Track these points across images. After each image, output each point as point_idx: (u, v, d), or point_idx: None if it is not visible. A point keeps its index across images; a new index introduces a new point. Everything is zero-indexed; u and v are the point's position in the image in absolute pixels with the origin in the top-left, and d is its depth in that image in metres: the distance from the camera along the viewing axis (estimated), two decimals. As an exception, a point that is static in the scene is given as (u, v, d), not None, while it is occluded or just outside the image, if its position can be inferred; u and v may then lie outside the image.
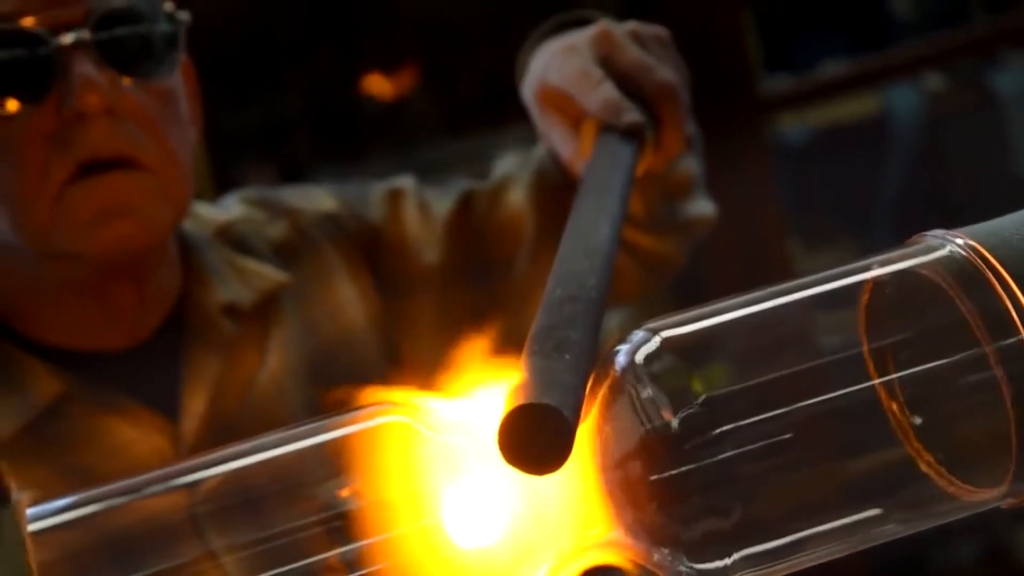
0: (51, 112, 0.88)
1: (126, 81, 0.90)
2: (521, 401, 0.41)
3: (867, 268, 0.47)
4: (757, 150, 2.08)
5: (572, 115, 0.89)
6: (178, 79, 0.95)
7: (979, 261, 0.45)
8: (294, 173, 3.22)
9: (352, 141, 3.37)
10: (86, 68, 0.88)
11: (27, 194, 0.90)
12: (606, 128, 0.84)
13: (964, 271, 0.45)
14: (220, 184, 2.18)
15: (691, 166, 1.00)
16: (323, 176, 3.22)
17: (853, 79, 2.37)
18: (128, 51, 0.90)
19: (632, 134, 0.84)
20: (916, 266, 0.46)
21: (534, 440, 0.41)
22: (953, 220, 0.49)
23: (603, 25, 0.91)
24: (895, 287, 0.46)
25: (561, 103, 0.89)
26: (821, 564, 0.46)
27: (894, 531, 0.45)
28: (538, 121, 0.94)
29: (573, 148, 0.88)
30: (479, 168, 1.11)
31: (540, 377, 0.43)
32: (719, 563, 0.43)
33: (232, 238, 1.04)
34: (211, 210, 1.08)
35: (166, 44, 0.93)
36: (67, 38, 0.88)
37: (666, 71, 0.89)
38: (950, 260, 0.45)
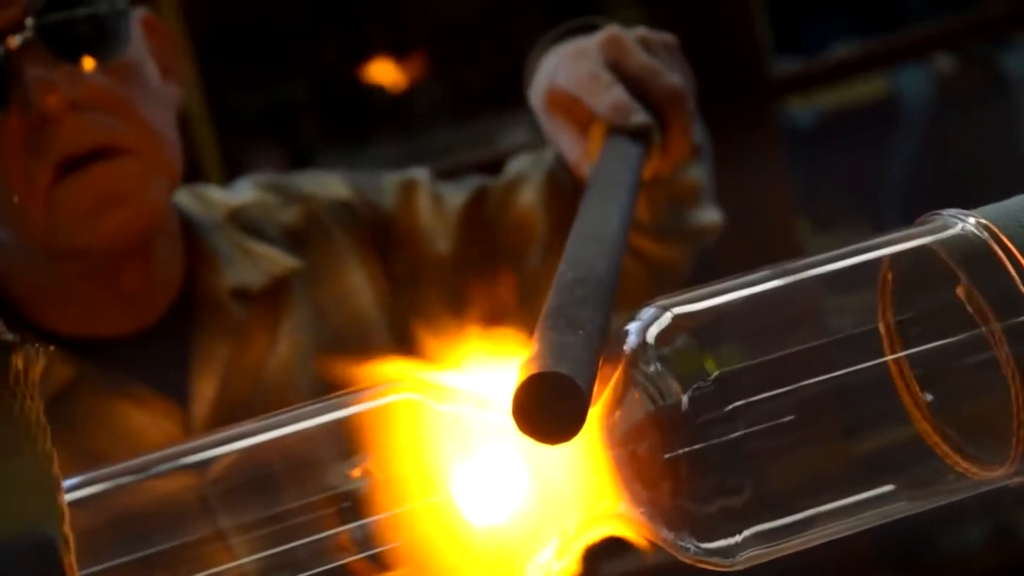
0: (17, 119, 0.86)
1: (84, 69, 0.87)
2: (535, 370, 0.42)
3: (880, 246, 0.47)
4: (766, 133, 2.08)
5: (580, 118, 0.89)
6: (137, 47, 0.92)
7: (992, 241, 0.44)
8: (302, 156, 3.22)
9: (359, 125, 3.37)
10: (38, 69, 0.85)
11: (17, 204, 0.89)
12: (614, 130, 0.85)
13: (977, 250, 0.44)
14: (229, 167, 2.18)
15: (699, 174, 1.00)
16: (330, 159, 3.23)
17: (863, 61, 2.35)
18: (78, 38, 0.88)
19: (640, 136, 0.84)
20: (929, 244, 0.46)
21: (548, 409, 0.42)
22: (963, 202, 0.49)
23: (612, 30, 0.91)
24: (907, 265, 0.46)
25: (569, 106, 0.90)
26: (829, 545, 0.46)
27: (904, 508, 0.45)
28: (545, 125, 0.94)
29: (580, 151, 0.89)
30: (484, 153, 1.12)
31: (554, 349, 0.43)
32: (729, 540, 0.43)
33: (243, 222, 1.04)
34: (223, 194, 1.08)
35: (114, 17, 0.90)
36: (13, 41, 0.85)
37: (674, 76, 0.89)
38: (963, 239, 0.45)
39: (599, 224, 0.62)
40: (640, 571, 1.80)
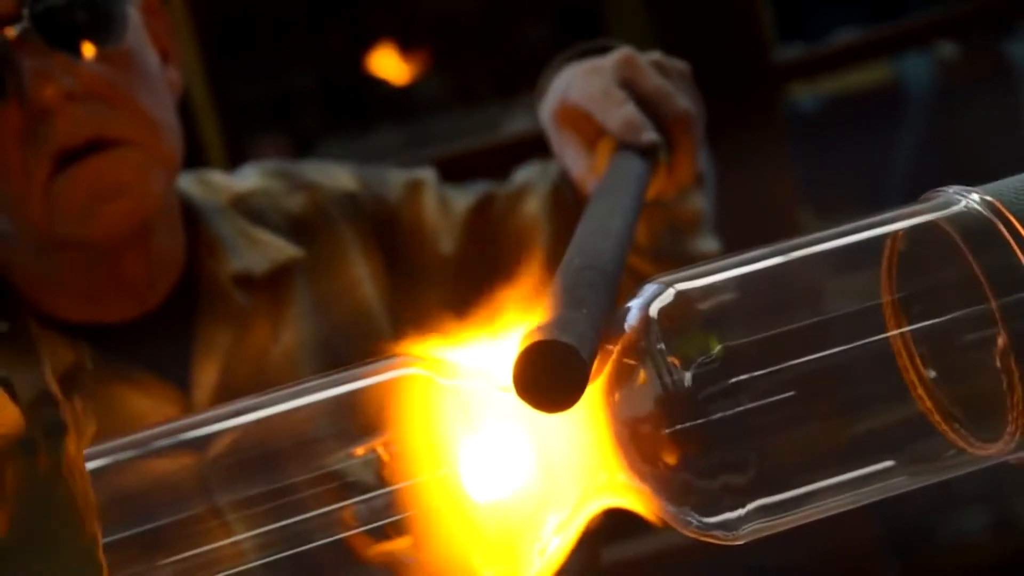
0: (15, 110, 0.86)
1: (81, 59, 0.87)
2: (538, 339, 0.42)
3: (884, 223, 0.47)
4: (769, 119, 2.07)
5: (589, 134, 0.90)
6: (135, 33, 0.92)
7: (995, 217, 0.44)
8: (305, 145, 3.22)
9: (361, 114, 3.38)
10: (35, 60, 0.85)
11: (15, 195, 0.89)
12: (622, 147, 0.85)
13: (981, 226, 0.44)
14: (232, 156, 2.18)
15: (700, 203, 1.01)
16: (333, 148, 3.23)
17: (866, 47, 2.34)
18: (74, 28, 0.87)
19: (647, 154, 0.85)
20: (933, 221, 0.46)
21: (549, 377, 0.42)
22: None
23: (627, 51, 0.92)
24: (910, 242, 0.46)
25: (579, 121, 0.90)
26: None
27: (905, 484, 0.45)
28: (553, 139, 0.94)
29: (586, 165, 0.89)
30: (485, 141, 1.12)
31: (556, 322, 0.44)
32: (732, 514, 0.43)
33: (247, 208, 1.04)
34: (227, 179, 1.07)
35: (111, 4, 0.90)
36: (9, 32, 0.84)
37: (685, 100, 0.90)
38: (967, 215, 0.45)
39: (606, 222, 0.63)
40: (641, 557, 1.80)
